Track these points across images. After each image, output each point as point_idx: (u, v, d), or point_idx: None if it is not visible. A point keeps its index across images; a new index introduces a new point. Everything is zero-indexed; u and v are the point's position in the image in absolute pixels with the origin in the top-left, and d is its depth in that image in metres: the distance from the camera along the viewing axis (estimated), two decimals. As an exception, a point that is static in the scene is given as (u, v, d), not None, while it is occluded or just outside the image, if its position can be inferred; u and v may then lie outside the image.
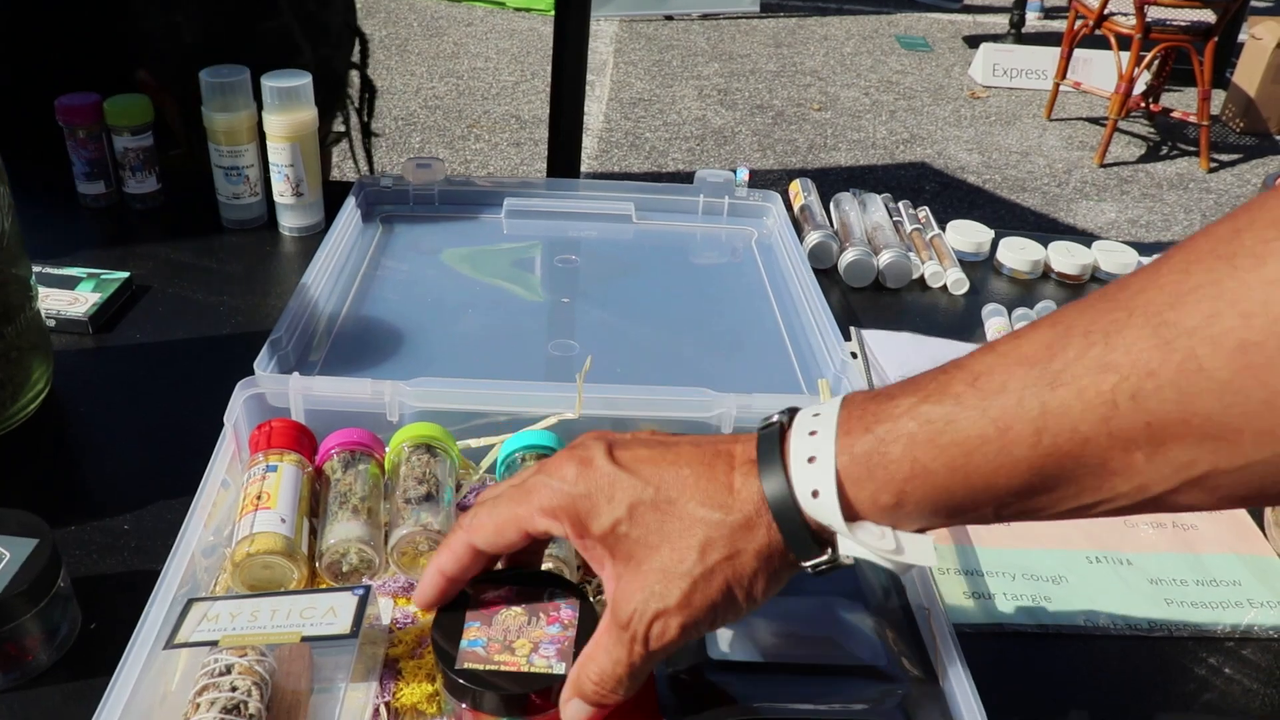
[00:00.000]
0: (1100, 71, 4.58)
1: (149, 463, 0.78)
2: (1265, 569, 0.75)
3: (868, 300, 1.08)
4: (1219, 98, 4.61)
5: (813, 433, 0.45)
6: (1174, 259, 0.40)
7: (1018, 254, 1.14)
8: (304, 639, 0.54)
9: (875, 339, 0.99)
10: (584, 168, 3.84)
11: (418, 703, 0.57)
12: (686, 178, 1.16)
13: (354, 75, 1.40)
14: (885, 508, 0.44)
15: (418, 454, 0.69)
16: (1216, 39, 3.94)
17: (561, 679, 0.50)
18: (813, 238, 1.12)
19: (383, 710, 0.56)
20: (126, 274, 0.99)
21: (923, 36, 5.76)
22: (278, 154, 1.07)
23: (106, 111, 1.09)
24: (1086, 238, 1.20)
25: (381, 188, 1.13)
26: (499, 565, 0.57)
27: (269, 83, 1.04)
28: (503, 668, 0.51)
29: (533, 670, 0.51)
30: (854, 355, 0.96)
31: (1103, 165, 4.19)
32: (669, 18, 5.77)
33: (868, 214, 1.19)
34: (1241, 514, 0.80)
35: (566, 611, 0.54)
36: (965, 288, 1.10)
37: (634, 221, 1.15)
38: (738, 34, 5.64)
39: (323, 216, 1.12)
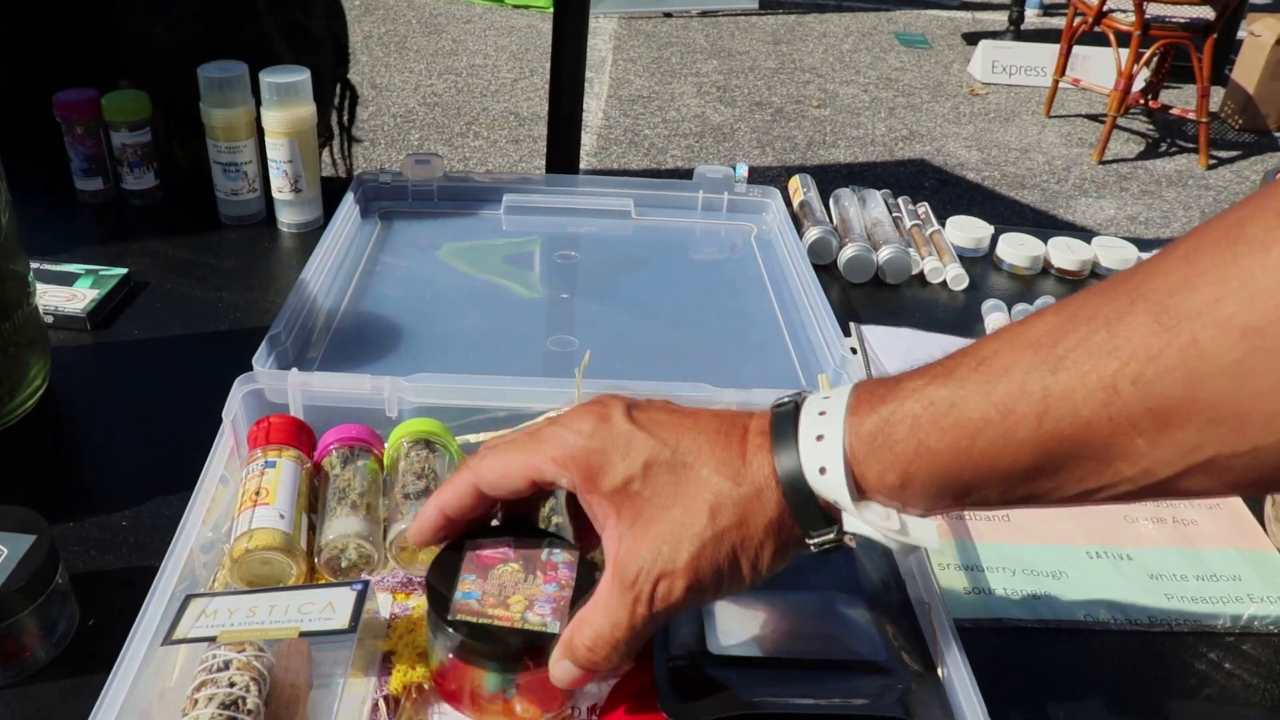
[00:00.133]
0: (1099, 68, 4.57)
1: (147, 459, 0.78)
2: (1265, 564, 0.75)
3: (867, 296, 1.08)
4: (1218, 95, 4.60)
5: (822, 413, 0.45)
6: (1178, 249, 0.40)
7: (1017, 250, 1.14)
8: (302, 634, 0.54)
9: (875, 334, 0.99)
10: (583, 165, 3.83)
11: (419, 680, 0.57)
12: (685, 175, 1.16)
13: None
14: (891, 487, 0.44)
15: (417, 449, 0.69)
16: (1215, 36, 3.94)
17: (554, 638, 0.50)
18: (812, 233, 1.12)
19: (381, 704, 0.56)
20: (124, 270, 0.99)
21: (922, 33, 5.76)
22: (276, 150, 1.07)
23: (104, 107, 1.09)
24: (1086, 234, 1.20)
25: (380, 184, 1.12)
26: (495, 521, 0.57)
27: (267, 78, 1.04)
28: (496, 622, 0.51)
29: (526, 627, 0.50)
30: (853, 351, 0.96)
31: (1102, 162, 4.19)
32: (668, 15, 5.77)
33: (867, 210, 1.18)
34: (1241, 509, 0.80)
35: (564, 571, 0.54)
36: (965, 283, 1.09)
37: (633, 217, 1.14)
38: (737, 31, 5.63)
39: (321, 212, 1.12)
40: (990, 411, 0.41)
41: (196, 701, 0.51)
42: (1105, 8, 4.03)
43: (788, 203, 1.19)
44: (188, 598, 0.57)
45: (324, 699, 0.55)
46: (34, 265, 0.82)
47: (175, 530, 0.60)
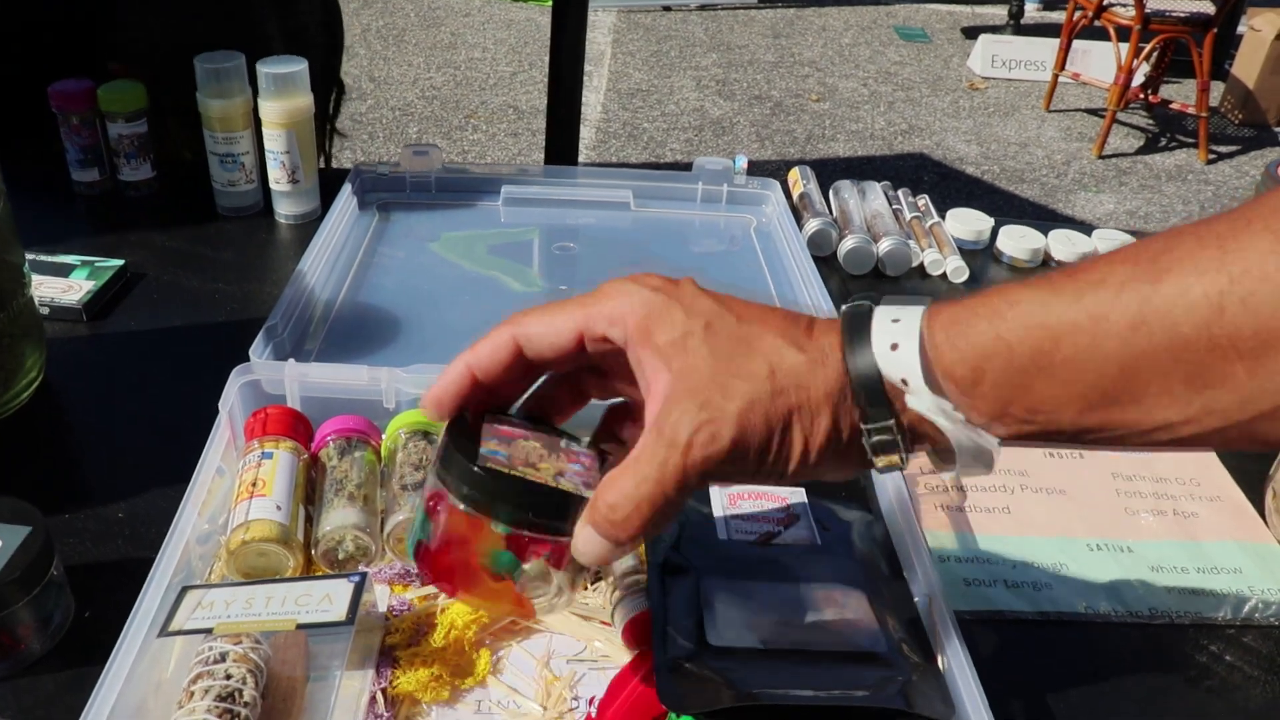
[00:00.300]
0: (1099, 63, 4.56)
1: (143, 450, 0.77)
2: (1266, 556, 0.74)
3: (867, 288, 1.08)
4: (1218, 89, 4.59)
5: (898, 319, 0.43)
6: None
7: (1017, 242, 1.13)
8: (299, 626, 0.54)
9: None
10: (582, 158, 3.82)
11: (415, 690, 0.56)
12: (684, 168, 1.15)
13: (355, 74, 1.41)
14: (961, 381, 0.41)
15: (414, 440, 0.68)
16: (1215, 30, 3.92)
17: (586, 502, 0.44)
18: (812, 225, 1.11)
19: (379, 697, 0.56)
20: (121, 261, 0.98)
21: (921, 27, 5.75)
22: (273, 141, 1.06)
23: (100, 98, 1.09)
24: (1086, 228, 1.19)
25: (378, 175, 1.12)
26: (513, 411, 0.52)
27: (264, 69, 1.03)
28: (528, 476, 0.45)
29: (560, 487, 0.45)
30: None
31: (1101, 157, 4.18)
32: (667, 8, 5.76)
33: (867, 202, 1.18)
34: (1242, 501, 0.79)
35: (586, 459, 0.50)
36: (965, 275, 1.09)
37: (632, 209, 1.14)
38: (736, 25, 5.62)
39: (319, 204, 1.12)
40: (1080, 316, 0.39)
41: (193, 694, 0.51)
42: (1105, 2, 4.02)
43: (787, 195, 1.19)
44: (184, 589, 0.57)
45: (321, 691, 0.55)
46: (29, 256, 0.82)
47: (171, 522, 0.60)
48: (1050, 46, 4.70)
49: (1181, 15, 3.95)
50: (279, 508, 0.63)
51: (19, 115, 1.17)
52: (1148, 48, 4.00)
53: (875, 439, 0.43)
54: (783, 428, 0.42)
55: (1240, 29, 4.76)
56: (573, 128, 1.84)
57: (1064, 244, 1.13)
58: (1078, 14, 4.22)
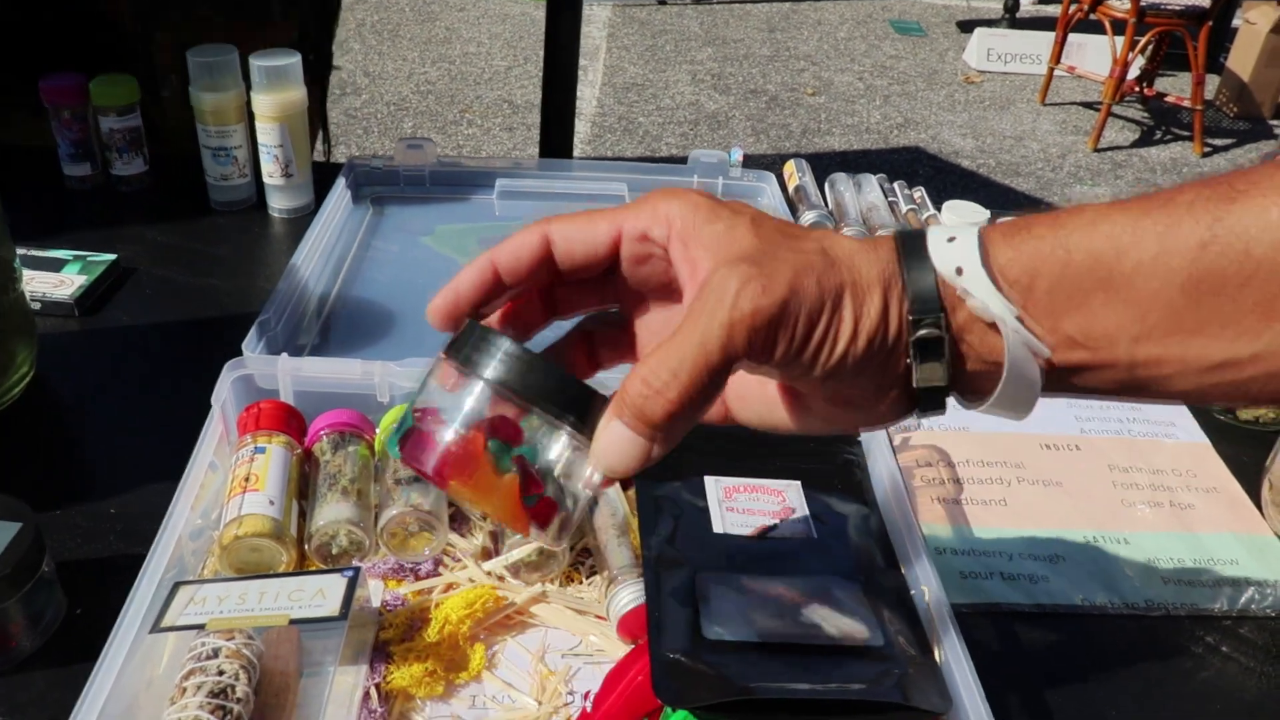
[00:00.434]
0: (1094, 56, 4.56)
1: (136, 446, 0.77)
2: (1262, 548, 0.74)
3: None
4: (1213, 82, 4.59)
5: (952, 239, 0.40)
6: None
7: (1013, 234, 1.13)
8: (292, 621, 0.53)
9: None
10: (577, 153, 3.82)
11: (409, 686, 0.56)
12: (680, 162, 1.15)
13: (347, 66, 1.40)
14: (1015, 284, 0.38)
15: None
16: (1211, 23, 3.92)
17: (606, 401, 0.39)
18: (808, 217, 1.11)
19: (373, 693, 0.56)
20: (113, 256, 0.98)
21: (917, 21, 5.74)
22: (266, 134, 1.05)
23: (92, 92, 1.08)
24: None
25: (372, 169, 1.11)
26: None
27: (257, 62, 1.02)
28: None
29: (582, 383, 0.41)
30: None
31: (1096, 150, 4.18)
32: (662, 2, 5.74)
33: (863, 194, 1.18)
34: (1238, 493, 0.79)
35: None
36: (960, 268, 1.08)
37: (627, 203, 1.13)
38: (731, 19, 5.61)
39: (312, 198, 1.11)
40: (1145, 229, 0.36)
41: (185, 690, 0.51)
42: (1100, -6, 4.02)
43: (783, 188, 1.19)
44: (176, 585, 0.56)
45: (314, 687, 0.54)
46: (21, 251, 0.81)
47: (163, 518, 0.60)
48: (1045, 40, 4.69)
49: (1177, 8, 3.94)
50: (272, 503, 0.63)
51: (11, 109, 1.16)
52: (1143, 41, 4.00)
53: (923, 332, 0.39)
54: (834, 300, 0.38)
55: (1235, 22, 4.76)
56: (567, 122, 1.84)
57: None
58: (1073, 7, 4.21)
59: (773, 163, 3.77)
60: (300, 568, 0.63)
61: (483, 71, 4.60)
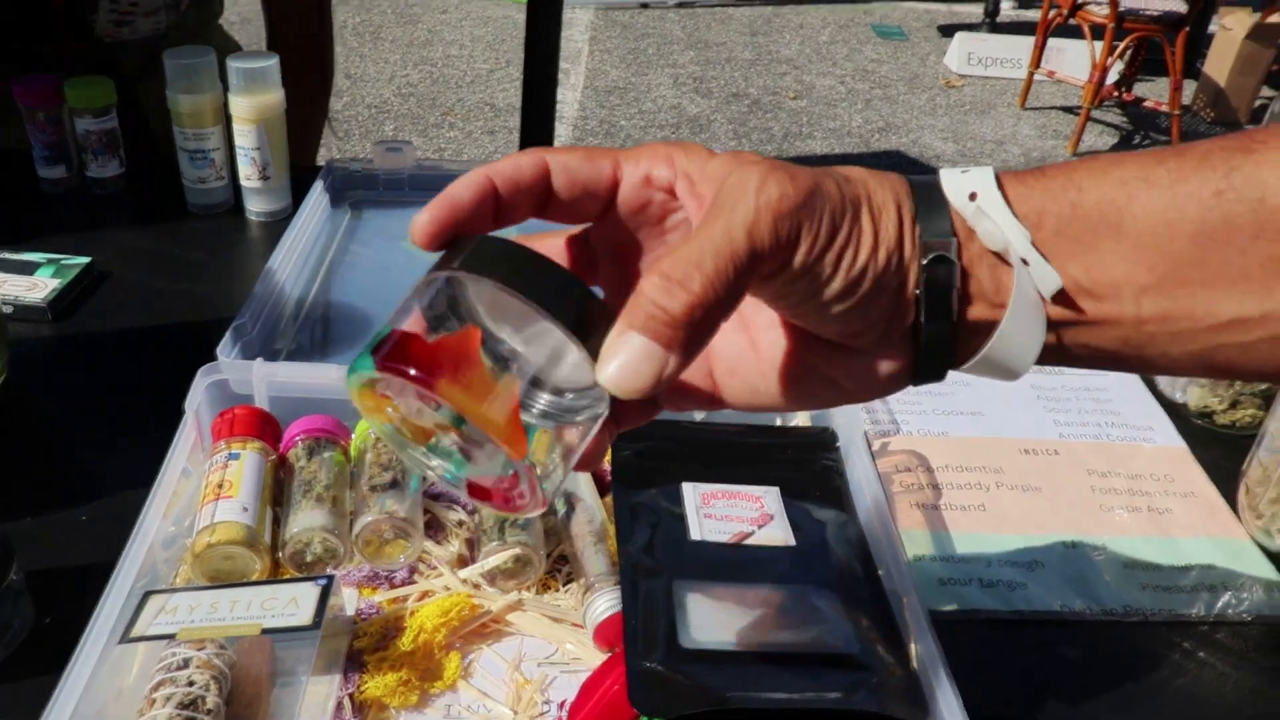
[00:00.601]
0: (1074, 61, 4.58)
1: (109, 453, 0.76)
2: (1239, 552, 0.74)
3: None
4: (1190, 88, 4.63)
5: (966, 171, 0.39)
6: None
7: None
8: (264, 631, 0.53)
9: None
10: (559, 156, 3.81)
11: (383, 695, 0.56)
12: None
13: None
14: (1022, 219, 0.37)
15: (384, 441, 0.67)
16: (1188, 29, 3.95)
17: (606, 312, 0.35)
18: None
19: (346, 703, 0.55)
20: (88, 260, 0.97)
21: (898, 25, 5.76)
22: (244, 137, 1.05)
23: (67, 94, 1.07)
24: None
25: (350, 172, 1.11)
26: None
27: (234, 64, 1.02)
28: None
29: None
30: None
31: (1076, 154, 4.20)
32: (644, 5, 5.75)
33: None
34: (1215, 497, 0.79)
35: None
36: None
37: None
38: (713, 22, 5.62)
39: (290, 201, 1.10)
40: (1160, 174, 0.35)
41: (154, 701, 0.50)
42: (1080, 0, 4.04)
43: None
44: (147, 594, 0.56)
45: (286, 697, 0.54)
46: (-8, 254, 0.80)
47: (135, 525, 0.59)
48: (1026, 44, 4.71)
49: (1154, 14, 3.97)
50: (245, 509, 0.62)
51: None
52: (1121, 46, 4.03)
53: (934, 254, 0.37)
54: (854, 210, 0.37)
55: (1212, 28, 4.80)
56: (547, 125, 1.83)
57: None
58: (1053, 12, 4.23)
59: (754, 166, 3.78)
60: (274, 575, 0.63)
61: (464, 74, 4.59)
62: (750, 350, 0.42)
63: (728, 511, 0.63)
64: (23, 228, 1.05)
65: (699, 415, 0.70)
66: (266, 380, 0.71)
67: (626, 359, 0.33)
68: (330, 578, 0.56)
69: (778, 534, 0.63)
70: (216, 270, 1.00)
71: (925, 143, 4.21)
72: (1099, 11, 3.99)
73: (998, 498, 0.78)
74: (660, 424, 0.47)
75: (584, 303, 0.35)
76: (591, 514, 0.65)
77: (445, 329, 0.35)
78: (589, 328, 0.34)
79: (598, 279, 0.44)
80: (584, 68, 4.80)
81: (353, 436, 0.70)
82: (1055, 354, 0.39)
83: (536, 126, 1.80)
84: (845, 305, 0.37)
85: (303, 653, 0.54)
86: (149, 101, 1.19)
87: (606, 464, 0.66)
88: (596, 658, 0.59)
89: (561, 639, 0.61)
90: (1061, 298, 0.37)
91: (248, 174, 1.07)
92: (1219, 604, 0.70)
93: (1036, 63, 4.44)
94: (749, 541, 0.62)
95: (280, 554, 0.63)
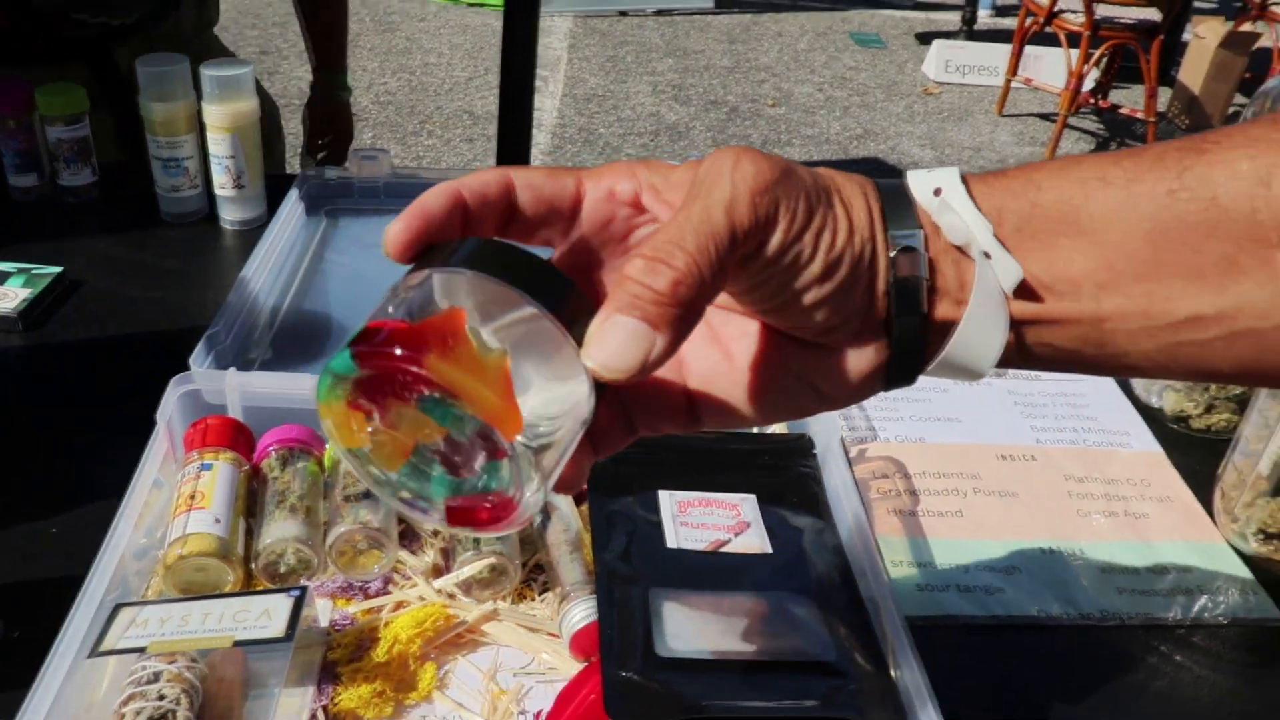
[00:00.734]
0: (1050, 68, 4.62)
1: (79, 463, 0.75)
2: (1215, 556, 0.75)
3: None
4: (1165, 95, 4.67)
5: (930, 170, 0.40)
6: None
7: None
8: (236, 643, 0.52)
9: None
10: (537, 163, 3.80)
11: (357, 707, 0.55)
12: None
13: None
14: (984, 215, 0.38)
15: (352, 471, 0.67)
16: (1162, 37, 3.99)
17: (588, 304, 0.35)
18: (764, 230, 1.11)
19: (320, 715, 0.55)
20: (59, 269, 0.96)
21: (876, 33, 5.79)
22: (218, 145, 1.04)
23: (38, 101, 1.06)
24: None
25: (325, 180, 1.10)
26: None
27: (208, 72, 1.01)
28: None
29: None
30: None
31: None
32: (623, 14, 5.75)
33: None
34: (1191, 501, 0.80)
35: None
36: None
37: (584, 214, 1.13)
38: (692, 30, 5.63)
39: (265, 209, 1.10)
40: (1116, 174, 0.36)
41: (124, 716, 0.50)
42: (1056, 8, 4.07)
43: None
44: (117, 606, 0.55)
45: (259, 710, 0.53)
46: (-40, 264, 0.79)
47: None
48: (1003, 52, 4.74)
49: (1129, 22, 4.01)
50: (218, 520, 0.61)
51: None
52: (1097, 53, 4.06)
53: (903, 245, 0.38)
54: (826, 197, 0.37)
55: (1186, 36, 4.84)
56: (525, 133, 1.83)
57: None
58: (1029, 20, 4.27)
59: (733, 173, 3.79)
60: (247, 587, 0.62)
61: (443, 82, 4.59)
62: (724, 361, 0.42)
63: (704, 519, 0.63)
64: (-7, 237, 1.04)
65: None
66: (240, 390, 0.70)
67: (612, 339, 0.33)
68: (303, 589, 0.55)
69: (754, 541, 0.62)
70: (190, 279, 1.00)
71: (903, 150, 4.23)
72: (1075, 20, 4.02)
73: (975, 504, 0.78)
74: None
75: (567, 292, 0.35)
76: (567, 522, 0.65)
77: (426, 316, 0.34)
78: (573, 315, 0.34)
79: None
80: (563, 75, 4.80)
81: (327, 446, 0.69)
82: (1017, 354, 0.39)
83: (514, 134, 1.80)
84: (823, 291, 0.37)
85: (275, 665, 0.54)
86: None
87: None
88: (573, 667, 0.58)
89: (537, 649, 0.60)
90: (1022, 293, 0.38)
91: (222, 182, 1.06)
92: (1195, 607, 0.70)
93: (1013, 70, 4.47)
94: (726, 549, 0.62)
95: (253, 565, 0.62)
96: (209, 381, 0.70)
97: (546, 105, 4.33)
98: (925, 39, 5.58)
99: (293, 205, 1.03)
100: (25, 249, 1.01)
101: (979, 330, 0.38)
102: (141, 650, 0.52)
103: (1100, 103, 4.35)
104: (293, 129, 1.58)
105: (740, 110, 4.54)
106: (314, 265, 1.00)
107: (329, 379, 0.35)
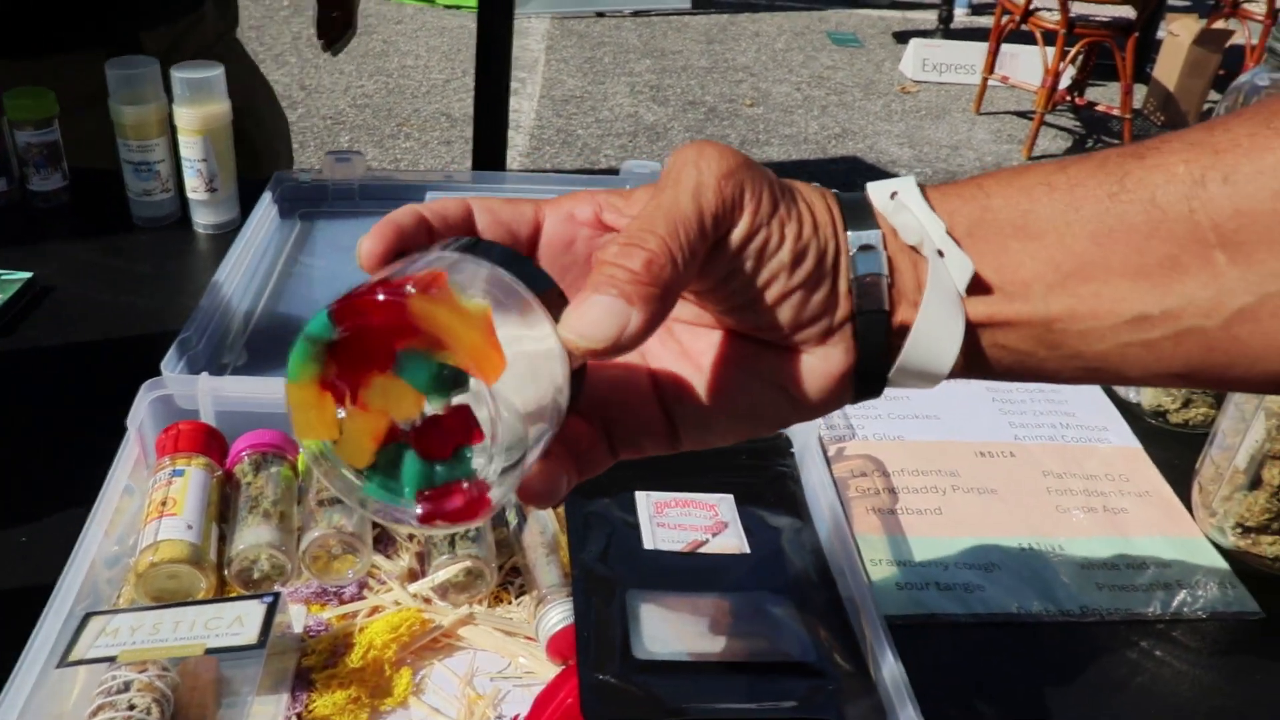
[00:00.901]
0: (1027, 66, 4.64)
1: (50, 472, 0.74)
2: (1193, 550, 0.75)
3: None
4: (1140, 92, 4.70)
5: (894, 193, 0.41)
6: None
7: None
8: (208, 651, 0.51)
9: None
10: (516, 165, 3.80)
11: (332, 714, 0.54)
12: (615, 173, 1.14)
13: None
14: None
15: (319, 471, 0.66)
16: (1137, 35, 4.01)
17: (558, 292, 0.36)
18: (742, 229, 1.11)
19: (294, 723, 0.54)
20: (29, 274, 0.95)
21: (853, 32, 5.81)
22: (190, 148, 1.03)
23: (7, 106, 1.05)
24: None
25: (299, 183, 1.09)
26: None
27: (179, 74, 1.00)
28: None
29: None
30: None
31: (1031, 158, 4.25)
32: (600, 15, 5.75)
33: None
34: (1170, 496, 0.80)
35: None
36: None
37: (561, 215, 1.12)
38: (669, 30, 5.63)
39: (238, 213, 1.09)
40: (1060, 179, 0.38)
41: (93, 726, 0.49)
42: (1031, 6, 4.09)
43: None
44: (87, 615, 0.54)
45: (232, 718, 0.52)
46: (-74, 270, 0.78)
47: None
48: (979, 50, 4.76)
49: (1104, 20, 4.03)
50: (190, 527, 0.61)
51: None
52: (1073, 51, 4.08)
53: (863, 243, 0.39)
54: (789, 193, 0.39)
55: (1160, 33, 4.88)
56: (500, 135, 1.82)
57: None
58: (1005, 18, 4.28)
59: (712, 174, 3.78)
60: (221, 594, 0.61)
61: (420, 85, 4.57)
62: (696, 374, 0.42)
63: (681, 520, 0.63)
64: (-38, 243, 1.02)
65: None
66: (212, 394, 0.70)
67: (590, 313, 0.34)
68: (276, 595, 0.55)
69: (732, 542, 0.62)
70: (163, 284, 0.99)
71: (881, 148, 4.24)
72: (1050, 18, 4.04)
73: (954, 501, 0.78)
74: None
75: (546, 278, 0.36)
76: (544, 525, 0.64)
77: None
78: (550, 300, 0.35)
79: None
80: (540, 77, 4.79)
81: (300, 451, 0.68)
82: (974, 359, 0.40)
83: (490, 136, 1.79)
84: (791, 283, 0.38)
85: (248, 672, 0.53)
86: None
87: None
88: (550, 671, 0.58)
89: (514, 653, 0.60)
90: (976, 293, 0.39)
91: (194, 186, 1.05)
92: (1175, 602, 0.70)
93: (990, 68, 4.48)
94: (703, 550, 0.61)
95: (226, 572, 0.61)
96: (181, 386, 0.70)
97: (524, 107, 4.32)
98: (902, 38, 5.59)
99: (266, 208, 1.02)
100: (-6, 254, 1.00)
101: (935, 326, 0.39)
102: (112, 659, 0.51)
103: (1077, 100, 4.37)
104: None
105: (718, 110, 4.54)
106: (288, 269, 0.99)
107: (304, 348, 0.34)
